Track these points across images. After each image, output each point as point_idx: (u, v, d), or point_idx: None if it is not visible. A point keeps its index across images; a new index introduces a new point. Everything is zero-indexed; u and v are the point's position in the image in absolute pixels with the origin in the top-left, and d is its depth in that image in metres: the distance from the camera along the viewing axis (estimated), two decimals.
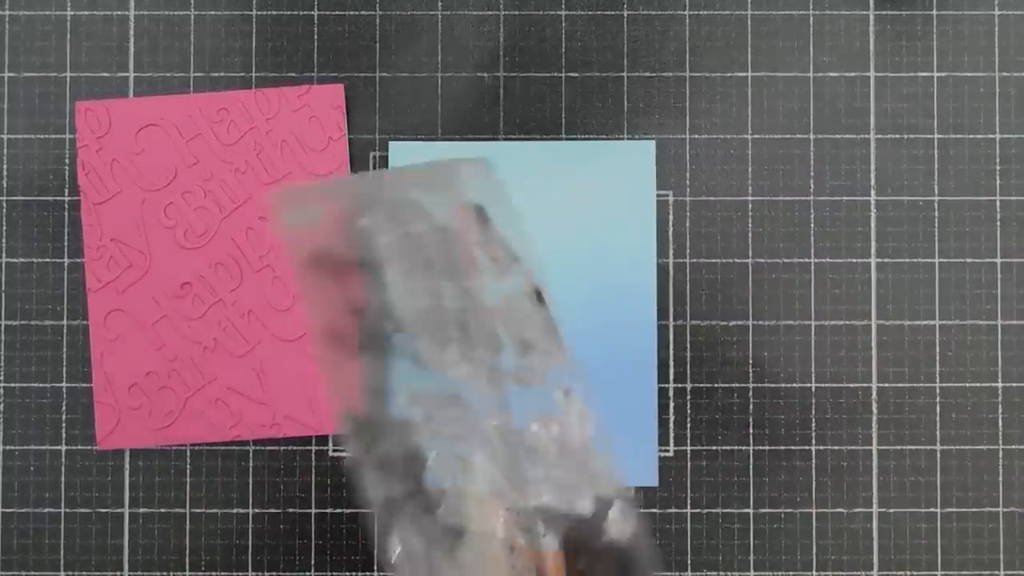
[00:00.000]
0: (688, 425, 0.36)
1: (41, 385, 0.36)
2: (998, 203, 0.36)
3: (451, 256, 0.20)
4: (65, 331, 0.36)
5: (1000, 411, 0.36)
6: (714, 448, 0.36)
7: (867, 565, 0.36)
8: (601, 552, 0.19)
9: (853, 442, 0.36)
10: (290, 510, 0.36)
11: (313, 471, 0.36)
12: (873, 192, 0.36)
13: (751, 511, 0.36)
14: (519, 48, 0.37)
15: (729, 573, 0.36)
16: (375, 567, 0.36)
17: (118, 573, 0.36)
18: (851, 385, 0.36)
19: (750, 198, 0.36)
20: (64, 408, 0.36)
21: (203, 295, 0.36)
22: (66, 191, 0.36)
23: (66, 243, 0.36)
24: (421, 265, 0.20)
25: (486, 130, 0.36)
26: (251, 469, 0.36)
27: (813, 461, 0.36)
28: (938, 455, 0.36)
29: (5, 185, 0.36)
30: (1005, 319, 0.36)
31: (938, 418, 0.36)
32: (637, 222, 0.36)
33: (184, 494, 0.36)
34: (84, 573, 0.36)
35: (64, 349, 0.36)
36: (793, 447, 0.36)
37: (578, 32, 0.37)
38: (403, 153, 0.36)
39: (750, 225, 0.36)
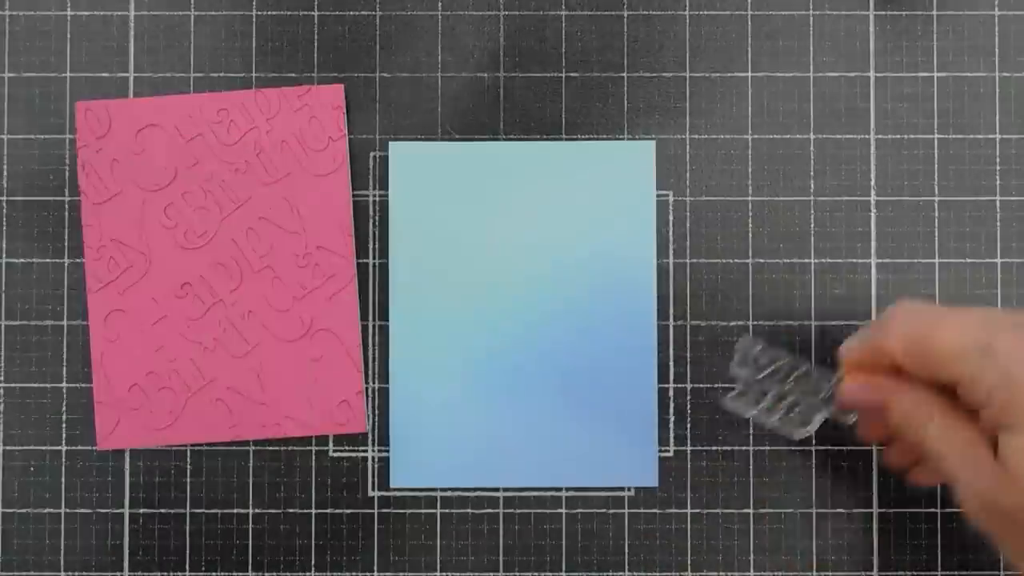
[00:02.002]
0: (688, 425, 0.36)
1: (41, 385, 0.36)
2: (998, 203, 0.36)
3: None
4: (65, 331, 0.36)
5: None
6: (714, 448, 0.36)
7: (867, 565, 0.36)
8: None
9: (853, 442, 0.36)
10: (290, 510, 0.36)
11: (313, 471, 0.36)
12: (873, 192, 0.36)
13: (751, 511, 0.36)
14: (519, 48, 0.37)
15: (729, 573, 0.36)
16: (375, 568, 0.36)
17: (118, 573, 0.36)
18: None
19: (750, 198, 0.36)
20: (64, 408, 0.36)
21: (203, 295, 0.36)
22: (66, 191, 0.36)
23: (66, 243, 0.36)
24: None
25: (486, 130, 0.36)
26: (251, 469, 0.36)
27: (813, 461, 0.36)
28: None
29: (5, 185, 0.36)
30: None
31: None
32: (637, 222, 0.36)
33: (184, 494, 0.36)
34: (84, 573, 0.36)
35: (64, 349, 0.36)
36: (793, 447, 0.36)
37: (578, 32, 0.37)
38: (403, 153, 0.36)
39: (750, 225, 0.36)
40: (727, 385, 0.36)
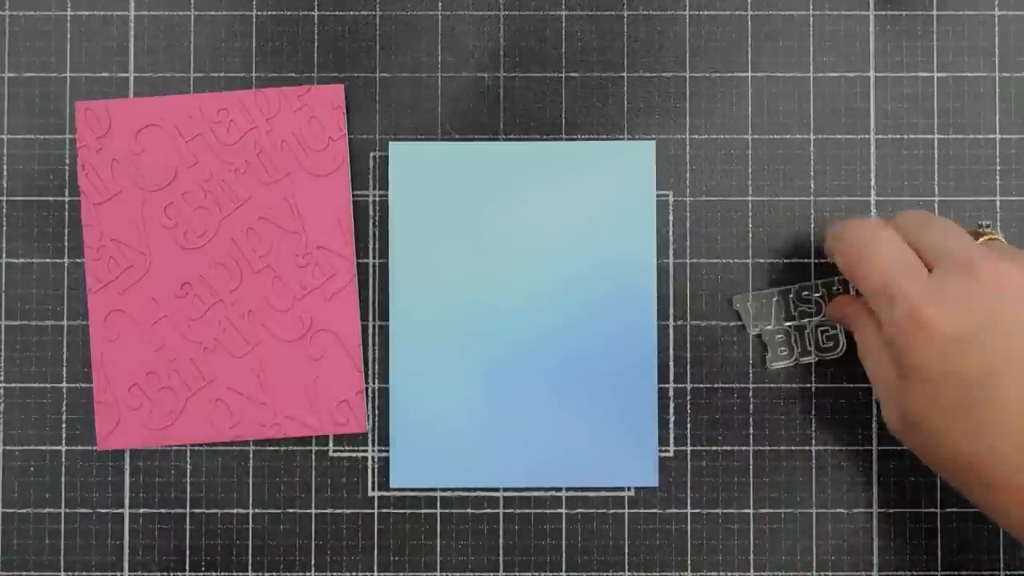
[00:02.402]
0: (688, 425, 0.36)
1: (41, 385, 0.36)
2: (998, 203, 0.36)
3: None
4: (65, 331, 0.36)
5: None
6: (714, 448, 0.36)
7: (867, 565, 0.36)
8: None
9: (853, 442, 0.36)
10: (290, 510, 0.36)
11: (313, 471, 0.36)
12: (873, 192, 0.36)
13: (751, 511, 0.36)
14: (519, 48, 0.37)
15: (729, 573, 0.36)
16: (375, 568, 0.36)
17: (118, 573, 0.36)
18: (851, 385, 0.36)
19: (750, 198, 0.36)
20: (64, 408, 0.36)
21: (203, 295, 0.36)
22: (66, 191, 0.36)
23: (66, 243, 0.36)
24: None
25: (486, 130, 0.36)
26: (251, 469, 0.36)
27: (813, 461, 0.36)
28: None
29: (5, 185, 0.36)
30: None
31: None
32: (637, 222, 0.36)
33: (184, 494, 0.36)
34: (84, 573, 0.36)
35: (64, 349, 0.36)
36: (793, 447, 0.36)
37: (578, 32, 0.37)
38: (403, 153, 0.36)
39: (750, 225, 0.36)
40: (727, 385, 0.36)
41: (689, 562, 0.36)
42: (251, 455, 0.36)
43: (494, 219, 0.36)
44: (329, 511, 0.36)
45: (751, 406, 0.36)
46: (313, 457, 0.36)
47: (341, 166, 0.36)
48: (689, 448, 0.36)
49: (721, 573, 0.36)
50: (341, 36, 0.36)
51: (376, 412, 0.36)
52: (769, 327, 0.35)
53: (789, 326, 0.36)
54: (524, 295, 0.36)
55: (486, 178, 0.36)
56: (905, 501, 0.36)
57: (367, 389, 0.36)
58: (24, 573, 0.36)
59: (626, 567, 0.36)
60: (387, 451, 0.36)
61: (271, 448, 0.36)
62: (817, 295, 0.36)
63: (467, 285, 0.36)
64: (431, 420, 0.36)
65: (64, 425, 0.36)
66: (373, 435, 0.36)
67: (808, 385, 0.36)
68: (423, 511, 0.36)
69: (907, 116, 0.36)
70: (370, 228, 0.36)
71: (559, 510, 0.36)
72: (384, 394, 0.36)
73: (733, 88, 0.36)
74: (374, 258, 0.36)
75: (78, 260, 0.36)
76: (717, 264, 0.36)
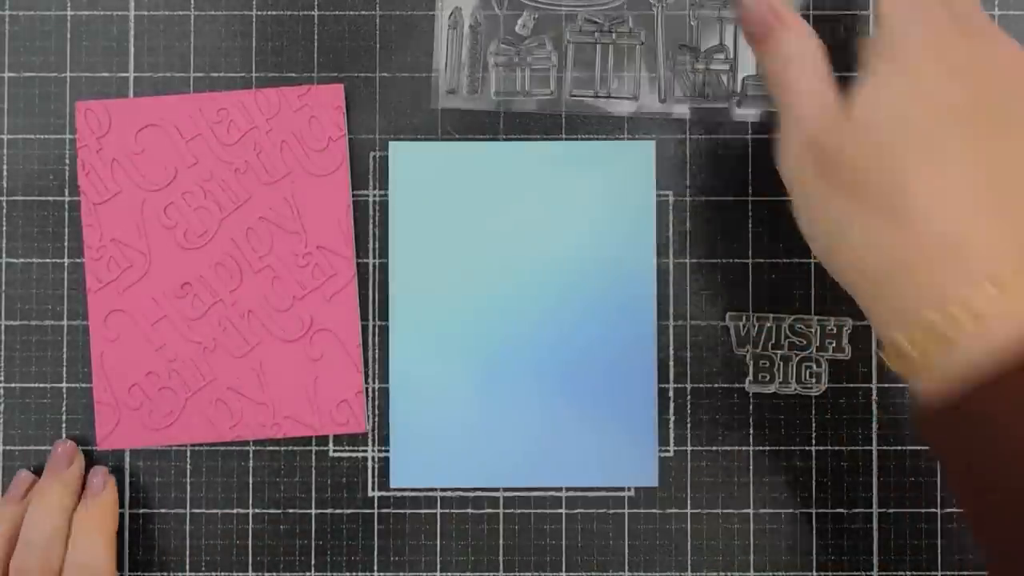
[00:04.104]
0: (688, 425, 0.36)
1: (41, 385, 0.36)
2: None
3: None
4: (65, 331, 0.36)
5: None
6: (714, 448, 0.36)
7: (867, 565, 0.36)
8: None
9: (853, 442, 0.36)
10: (290, 510, 0.36)
11: (313, 471, 0.36)
12: None
13: (751, 511, 0.36)
14: None
15: (729, 573, 0.36)
16: (375, 568, 0.36)
17: (118, 573, 0.36)
18: (851, 385, 0.36)
19: (750, 198, 0.36)
20: (64, 408, 0.36)
21: (203, 295, 0.36)
22: (66, 191, 0.36)
23: (66, 243, 0.36)
24: None
25: (486, 130, 0.36)
26: (251, 469, 0.36)
27: (813, 461, 0.36)
28: None
29: (5, 185, 0.36)
30: None
31: None
32: (637, 222, 0.36)
33: (184, 494, 0.36)
34: None
35: (64, 349, 0.36)
36: (793, 447, 0.36)
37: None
38: (403, 153, 0.36)
39: (750, 225, 0.36)
40: (727, 385, 0.36)
41: (689, 562, 0.36)
42: (251, 455, 0.36)
43: (494, 219, 0.36)
44: (329, 511, 0.36)
45: (751, 406, 0.36)
46: (313, 457, 0.36)
47: (341, 166, 0.36)
48: (689, 448, 0.36)
49: (721, 573, 0.36)
50: (341, 36, 0.36)
51: (376, 412, 0.36)
52: (756, 351, 0.35)
53: (776, 354, 0.35)
54: (524, 295, 0.36)
55: (486, 178, 0.36)
56: (905, 501, 0.36)
57: (367, 389, 0.36)
58: None
59: (626, 567, 0.36)
60: (387, 451, 0.36)
61: (271, 448, 0.36)
62: (811, 330, 0.35)
63: (467, 285, 0.36)
64: (431, 420, 0.36)
65: (64, 425, 0.36)
66: (373, 435, 0.36)
67: (808, 385, 0.36)
68: (423, 511, 0.36)
69: None
70: (370, 228, 0.36)
71: (559, 510, 0.36)
72: (384, 394, 0.36)
73: None
74: (374, 258, 0.36)
75: (78, 260, 0.36)
76: (717, 264, 0.36)
